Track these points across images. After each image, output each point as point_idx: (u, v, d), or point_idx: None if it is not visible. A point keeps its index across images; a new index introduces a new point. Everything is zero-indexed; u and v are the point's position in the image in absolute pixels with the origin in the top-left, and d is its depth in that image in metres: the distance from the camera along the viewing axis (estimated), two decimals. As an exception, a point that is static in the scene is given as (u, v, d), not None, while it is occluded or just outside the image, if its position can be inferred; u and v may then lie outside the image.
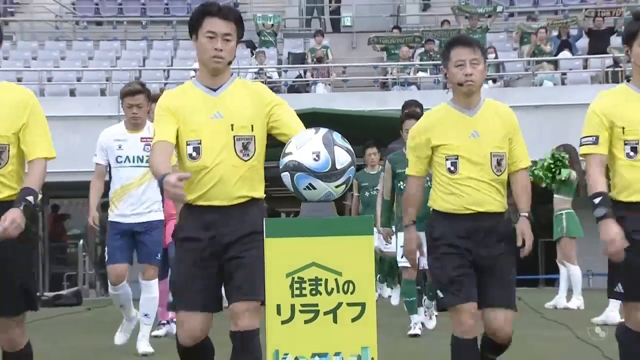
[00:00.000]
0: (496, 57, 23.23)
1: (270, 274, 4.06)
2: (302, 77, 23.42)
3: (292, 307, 3.95)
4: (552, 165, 12.87)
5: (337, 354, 3.89)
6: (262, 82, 22.56)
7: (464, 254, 5.57)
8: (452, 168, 5.63)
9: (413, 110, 10.04)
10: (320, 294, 3.97)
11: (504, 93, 20.97)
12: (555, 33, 23.82)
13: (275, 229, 4.09)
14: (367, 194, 13.38)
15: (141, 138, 8.55)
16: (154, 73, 23.25)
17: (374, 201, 12.61)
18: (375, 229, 11.62)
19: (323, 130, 4.07)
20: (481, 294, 5.47)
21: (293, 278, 3.99)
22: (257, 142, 5.35)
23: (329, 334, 3.93)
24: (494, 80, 22.80)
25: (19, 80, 20.99)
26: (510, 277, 5.68)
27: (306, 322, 3.93)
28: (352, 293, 3.98)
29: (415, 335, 9.46)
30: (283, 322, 3.93)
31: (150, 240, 8.87)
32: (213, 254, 5.11)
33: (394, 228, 9.82)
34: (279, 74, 23.51)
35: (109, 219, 8.87)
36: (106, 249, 9.06)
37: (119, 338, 9.43)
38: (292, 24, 27.24)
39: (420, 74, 22.58)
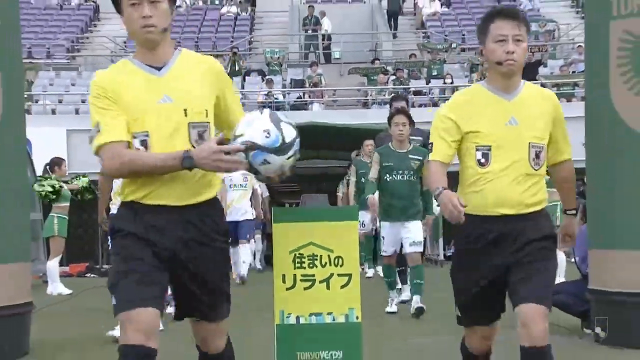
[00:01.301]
0: (452, 82, 23.35)
1: (277, 251, 4.02)
2: (301, 98, 23.42)
3: (294, 276, 3.93)
4: None
5: (329, 313, 3.88)
6: (270, 102, 22.83)
7: (491, 264, 3.93)
8: (482, 160, 3.94)
9: (403, 107, 8.84)
10: (316, 266, 3.96)
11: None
12: (498, 63, 23.78)
13: (281, 216, 4.06)
14: (362, 179, 11.94)
15: None
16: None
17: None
18: (367, 215, 11.49)
19: (267, 110, 3.49)
20: (514, 291, 3.92)
21: (295, 254, 3.96)
22: (211, 131, 3.63)
23: (323, 298, 3.92)
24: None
25: (83, 102, 20.99)
26: (545, 272, 3.98)
27: (305, 288, 3.91)
28: (341, 266, 3.96)
29: (393, 313, 8.57)
30: (287, 289, 3.90)
31: None
32: (162, 263, 3.49)
33: (377, 219, 8.88)
34: (284, 96, 23.52)
35: (110, 212, 7.45)
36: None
37: None
38: (293, 56, 27.16)
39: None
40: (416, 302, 8.16)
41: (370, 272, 14.08)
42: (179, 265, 3.50)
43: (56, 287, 12.11)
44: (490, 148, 3.92)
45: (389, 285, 8.77)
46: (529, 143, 3.95)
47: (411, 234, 8.18)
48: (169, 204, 3.51)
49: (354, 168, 12.85)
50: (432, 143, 4.03)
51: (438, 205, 4.25)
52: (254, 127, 3.40)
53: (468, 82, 23.65)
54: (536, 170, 3.98)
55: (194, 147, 3.46)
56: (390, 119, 8.41)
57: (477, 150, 3.94)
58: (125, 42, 27.26)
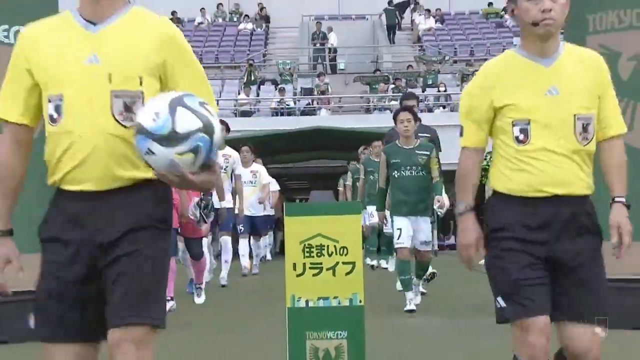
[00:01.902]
0: (445, 90, 23.39)
1: (288, 242, 4.01)
2: (310, 105, 23.44)
3: (304, 264, 3.92)
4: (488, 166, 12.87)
5: (335, 297, 3.87)
6: (282, 108, 22.88)
7: (535, 250, 3.02)
8: (521, 136, 3.08)
9: (409, 106, 8.03)
10: (324, 255, 3.94)
11: (450, 116, 20.91)
12: (486, 74, 23.84)
13: (292, 210, 4.07)
14: (371, 177, 11.67)
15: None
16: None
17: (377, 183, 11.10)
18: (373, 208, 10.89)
19: (178, 92, 2.47)
20: (558, 304, 3.02)
21: (304, 244, 3.95)
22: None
23: (330, 284, 3.90)
24: (444, 107, 22.90)
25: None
26: (599, 281, 3.10)
27: (313, 275, 3.91)
28: (345, 255, 3.95)
29: (411, 311, 7.37)
30: (297, 275, 3.90)
31: None
32: (86, 261, 2.58)
33: (388, 213, 7.92)
34: (294, 103, 23.55)
35: None
36: None
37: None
38: (303, 67, 27.18)
39: (392, 102, 22.55)
40: (418, 286, 7.84)
41: (373, 261, 13.44)
42: (105, 263, 2.56)
43: None
44: (529, 122, 3.09)
45: (405, 285, 7.58)
46: (574, 115, 3.09)
47: (422, 233, 7.59)
48: (87, 189, 2.58)
49: (362, 167, 12.31)
50: (461, 127, 3.24)
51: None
52: (148, 106, 2.49)
53: (460, 90, 23.66)
54: (584, 145, 3.10)
55: (117, 119, 2.54)
56: (395, 116, 7.78)
57: (514, 125, 3.11)
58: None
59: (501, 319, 3.10)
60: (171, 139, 2.37)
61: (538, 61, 3.16)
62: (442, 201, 7.66)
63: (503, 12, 28.85)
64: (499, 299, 3.09)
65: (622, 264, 6.70)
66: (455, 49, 26.94)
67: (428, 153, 7.52)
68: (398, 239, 7.46)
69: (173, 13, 29.62)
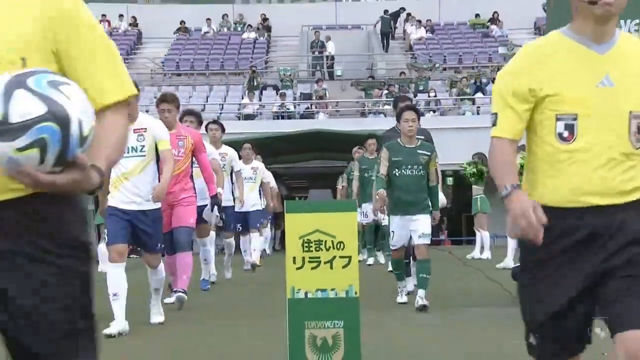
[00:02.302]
0: (435, 96, 23.40)
1: (288, 237, 3.99)
2: (309, 109, 23.43)
3: (303, 258, 3.90)
4: (475, 169, 12.86)
5: (332, 289, 3.86)
6: (283, 112, 22.85)
7: (578, 273, 2.39)
8: (565, 133, 2.42)
9: (414, 105, 7.53)
10: (322, 250, 3.92)
11: (440, 120, 21.02)
12: (472, 81, 23.84)
13: (293, 208, 4.06)
14: (366, 175, 11.08)
15: (134, 130, 5.84)
16: (214, 107, 23.22)
17: (372, 181, 9.82)
18: (370, 206, 10.39)
19: (20, 70, 1.72)
20: (612, 311, 2.35)
21: (304, 239, 3.93)
22: None
23: (327, 276, 3.89)
24: (434, 111, 22.92)
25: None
26: None
27: (312, 268, 3.89)
28: (342, 249, 3.93)
29: (403, 303, 7.26)
30: (297, 269, 3.89)
31: (151, 230, 6.09)
32: None
33: (386, 212, 7.21)
34: (294, 107, 23.52)
35: (108, 204, 6.05)
36: (105, 230, 6.33)
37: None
38: (302, 74, 27.12)
39: (386, 106, 22.56)
40: (420, 297, 6.91)
41: (370, 260, 12.69)
42: None
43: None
44: (577, 117, 2.42)
45: (398, 277, 7.48)
46: (630, 112, 2.42)
47: (420, 226, 6.97)
48: None
49: (357, 164, 11.74)
50: (495, 115, 2.52)
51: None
52: None
53: (449, 96, 23.67)
54: (637, 149, 2.43)
55: None
56: (399, 115, 7.22)
57: (557, 120, 2.44)
58: (162, 63, 27.32)
59: (531, 354, 2.54)
60: (4, 131, 1.66)
61: (591, 46, 2.48)
62: (437, 217, 7.34)
63: (489, 23, 28.89)
64: (530, 334, 2.50)
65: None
66: (445, 57, 26.91)
67: (429, 154, 7.09)
68: (392, 240, 7.17)
69: (181, 23, 29.64)
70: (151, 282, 6.33)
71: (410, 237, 7.12)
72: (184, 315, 7.09)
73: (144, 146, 5.96)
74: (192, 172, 7.46)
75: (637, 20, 6.70)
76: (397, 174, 7.02)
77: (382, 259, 12.29)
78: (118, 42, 29.17)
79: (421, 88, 23.87)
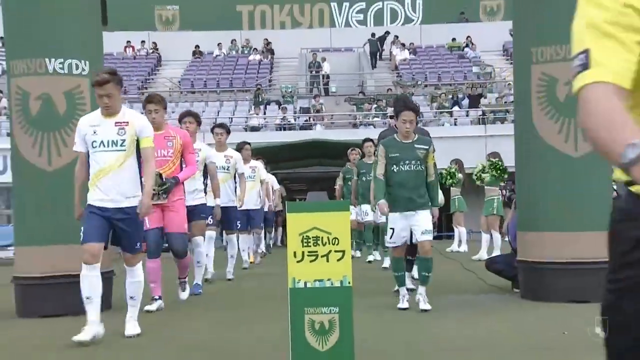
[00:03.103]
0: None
1: (289, 234, 3.93)
2: (308, 121, 23.38)
3: (303, 253, 3.85)
4: (450, 174, 12.75)
5: (328, 279, 3.81)
6: (285, 124, 22.79)
7: None
8: None
9: (412, 103, 6.39)
10: (319, 245, 3.86)
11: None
12: (450, 96, 23.83)
13: (293, 208, 4.02)
14: (363, 178, 10.28)
15: (115, 122, 4.92)
16: (224, 120, 23.16)
17: (368, 184, 9.23)
18: (368, 206, 9.87)
19: None
20: None
21: (303, 236, 3.87)
22: None
23: (324, 268, 3.84)
24: (417, 122, 22.87)
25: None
26: None
27: (310, 261, 3.84)
28: (337, 244, 3.87)
29: (405, 309, 6.06)
30: (297, 262, 3.84)
31: (130, 229, 5.00)
32: None
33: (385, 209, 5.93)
34: (294, 119, 23.47)
35: (87, 202, 4.98)
36: (82, 229, 5.00)
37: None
38: (301, 90, 27.08)
39: (375, 119, 22.54)
40: (422, 295, 5.97)
41: (370, 257, 11.63)
42: None
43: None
44: None
45: (398, 281, 6.30)
46: None
47: (421, 223, 6.02)
48: None
49: (356, 169, 10.81)
50: (585, 51, 1.39)
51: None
52: None
53: (430, 109, 23.66)
54: None
55: None
56: (397, 113, 6.21)
57: None
58: (179, 82, 27.29)
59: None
60: None
61: None
62: (435, 214, 6.31)
63: (464, 46, 28.95)
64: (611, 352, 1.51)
65: (561, 251, 6.75)
66: (426, 75, 26.92)
67: (427, 147, 6.17)
68: (390, 238, 6.13)
69: (195, 47, 29.66)
70: (127, 288, 5.18)
71: (411, 235, 6.16)
72: (196, 303, 7.06)
73: (124, 140, 4.92)
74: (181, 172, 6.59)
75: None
76: (395, 170, 6.08)
77: (378, 256, 11.43)
78: (141, 65, 29.17)
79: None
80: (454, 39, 29.54)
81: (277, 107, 24.21)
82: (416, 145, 6.16)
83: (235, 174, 8.85)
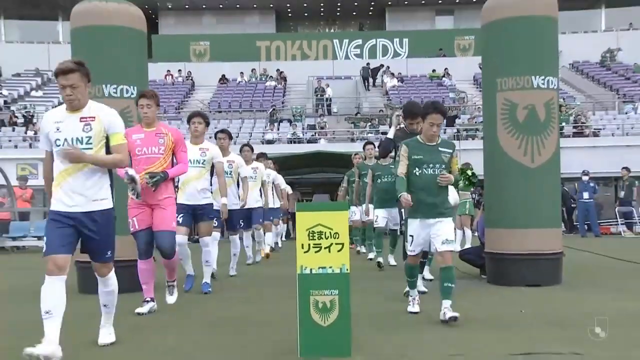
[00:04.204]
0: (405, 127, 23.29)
1: (298, 229, 3.85)
2: (314, 136, 23.37)
3: (309, 245, 3.81)
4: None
5: (330, 267, 3.78)
6: (295, 138, 22.76)
7: None
8: None
9: (440, 105, 4.86)
10: (322, 238, 3.82)
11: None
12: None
13: (302, 208, 3.94)
14: (365, 179, 9.16)
15: (80, 118, 3.75)
16: (245, 134, 23.21)
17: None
18: (365, 206, 9.12)
19: None
20: None
21: (309, 231, 3.83)
22: None
23: (326, 258, 3.80)
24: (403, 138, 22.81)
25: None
26: None
27: (315, 252, 3.81)
28: (337, 238, 3.82)
29: (415, 313, 4.96)
30: (304, 252, 3.80)
31: (98, 236, 3.77)
32: None
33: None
34: (302, 134, 23.45)
35: (51, 208, 3.74)
36: (45, 238, 3.73)
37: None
38: (308, 111, 27.03)
39: (369, 134, 22.47)
40: (447, 309, 4.61)
41: (371, 255, 9.91)
42: None
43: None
44: None
45: (410, 285, 5.16)
46: None
47: (442, 232, 4.72)
48: None
49: (357, 170, 9.84)
50: None
51: None
52: None
53: (413, 127, 23.60)
54: None
55: None
56: (425, 115, 4.81)
57: None
58: (209, 104, 27.31)
59: None
60: None
61: None
62: (455, 196, 5.27)
63: (442, 76, 28.96)
64: None
65: (520, 244, 6.75)
66: (411, 99, 26.93)
67: (451, 151, 4.89)
68: (410, 245, 4.88)
69: (222, 75, 29.74)
70: (100, 296, 3.97)
71: (429, 243, 4.89)
72: (220, 287, 7.04)
73: (90, 137, 3.71)
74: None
75: (527, 77, 6.71)
76: (417, 173, 4.79)
77: (371, 255, 10.02)
78: (177, 90, 29.22)
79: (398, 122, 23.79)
80: (434, 70, 29.54)
81: (288, 124, 24.21)
82: (440, 149, 4.85)
83: (238, 179, 7.75)
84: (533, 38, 6.68)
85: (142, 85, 6.87)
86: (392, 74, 29.12)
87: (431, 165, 4.81)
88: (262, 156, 9.83)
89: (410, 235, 4.87)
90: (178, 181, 6.07)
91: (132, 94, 6.60)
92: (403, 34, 32.20)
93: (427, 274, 6.58)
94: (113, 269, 3.95)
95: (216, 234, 6.92)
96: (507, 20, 6.71)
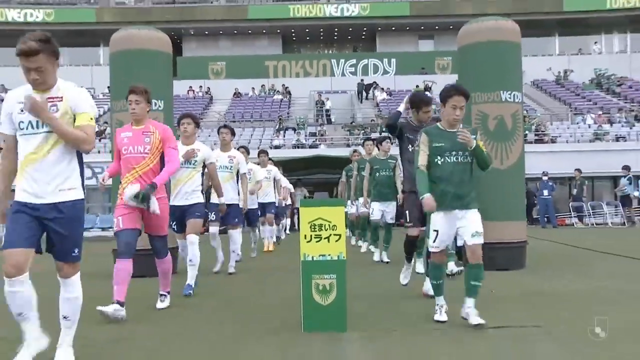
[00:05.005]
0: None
1: (302, 222, 3.81)
2: (315, 142, 23.32)
3: (311, 235, 3.78)
4: None
5: (329, 254, 3.76)
6: (299, 144, 22.76)
7: None
8: None
9: (464, 88, 3.85)
10: (322, 230, 3.79)
11: (395, 149, 20.89)
12: (415, 124, 23.72)
13: (305, 204, 3.93)
14: (363, 173, 8.18)
15: (48, 98, 2.72)
16: (255, 141, 23.18)
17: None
18: (362, 199, 8.22)
19: None
20: None
21: (311, 223, 3.80)
22: None
23: (326, 246, 3.78)
24: (392, 142, 22.71)
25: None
26: None
27: (316, 242, 3.78)
28: (335, 230, 3.78)
29: (443, 322, 3.81)
30: (307, 242, 3.77)
31: (65, 231, 2.72)
32: None
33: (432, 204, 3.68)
34: (305, 140, 23.41)
35: (14, 199, 2.74)
36: (4, 231, 2.75)
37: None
38: (310, 120, 26.96)
39: (366, 142, 22.44)
40: (471, 309, 3.68)
41: (364, 247, 9.34)
42: None
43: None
44: None
45: (436, 290, 3.95)
46: None
47: (471, 224, 3.75)
48: None
49: (357, 165, 8.83)
50: None
51: None
52: None
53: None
54: None
55: None
56: (446, 99, 3.79)
57: None
58: (225, 115, 27.29)
59: None
60: None
61: None
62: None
63: (424, 91, 28.95)
64: None
65: (491, 234, 6.76)
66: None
67: (475, 137, 3.81)
68: (434, 241, 3.80)
69: (236, 89, 29.74)
70: (60, 306, 2.85)
71: (455, 238, 4.05)
72: (233, 273, 7.03)
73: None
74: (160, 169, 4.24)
75: (496, 92, 6.75)
76: (439, 162, 3.77)
77: (363, 248, 9.30)
78: (198, 103, 29.21)
79: (383, 129, 23.77)
80: (417, 86, 29.51)
81: (293, 132, 24.20)
82: None
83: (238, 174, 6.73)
84: (501, 59, 6.73)
85: (169, 99, 6.99)
86: (382, 89, 29.15)
87: (454, 153, 3.76)
88: (238, 148, 8.15)
89: (434, 230, 3.78)
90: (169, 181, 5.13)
91: (159, 107, 6.74)
92: (391, 55, 32.23)
93: (419, 266, 5.64)
94: (79, 273, 2.86)
95: (214, 229, 6.28)
96: (479, 44, 6.77)
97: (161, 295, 4.57)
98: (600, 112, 24.23)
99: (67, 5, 31.59)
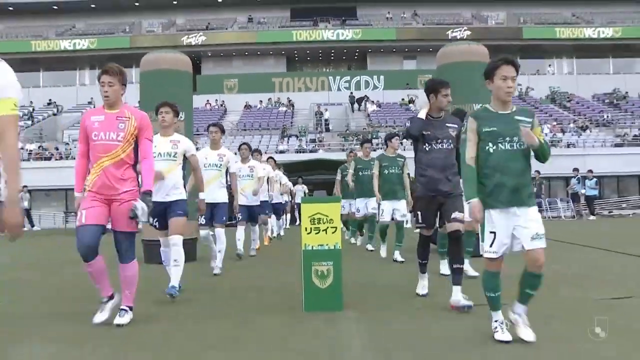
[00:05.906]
0: (381, 141, 23.17)
1: (303, 216, 3.77)
2: (314, 147, 23.32)
3: (311, 228, 3.76)
4: None
5: (327, 244, 3.74)
6: (300, 150, 22.72)
7: None
8: None
9: (512, 59, 2.59)
10: (321, 223, 3.77)
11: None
12: (401, 133, 23.47)
13: (306, 200, 3.89)
14: (360, 174, 7.31)
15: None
16: (263, 147, 23.15)
17: (366, 178, 7.13)
18: (363, 201, 7.38)
19: None
20: None
21: (311, 217, 3.77)
22: None
23: (324, 237, 3.77)
24: (381, 148, 22.71)
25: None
26: None
27: (315, 233, 3.77)
28: (332, 223, 3.77)
29: (507, 342, 2.50)
30: (307, 234, 3.76)
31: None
32: None
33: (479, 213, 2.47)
34: (306, 146, 23.40)
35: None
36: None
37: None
38: (310, 129, 26.96)
39: (356, 146, 22.39)
40: (523, 318, 2.69)
41: (358, 242, 8.63)
42: None
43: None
44: None
45: (493, 304, 2.71)
46: None
47: (531, 224, 2.57)
48: None
49: (354, 163, 7.56)
50: None
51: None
52: None
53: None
54: None
55: None
56: (492, 71, 2.62)
57: None
58: (237, 124, 27.24)
59: None
60: None
61: None
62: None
63: (409, 103, 28.97)
64: None
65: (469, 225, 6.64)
66: (386, 120, 26.88)
67: (530, 120, 2.66)
68: (491, 246, 2.65)
69: (246, 102, 29.70)
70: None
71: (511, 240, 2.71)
72: (239, 262, 6.98)
73: None
74: (135, 162, 3.23)
75: (480, 104, 6.72)
76: (491, 150, 2.62)
77: (357, 241, 8.59)
78: (214, 114, 29.16)
79: (374, 136, 23.78)
80: (403, 99, 29.55)
81: (295, 139, 24.17)
82: (517, 117, 2.67)
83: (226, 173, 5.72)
84: (473, 77, 6.73)
85: (189, 111, 7.09)
86: (372, 102, 29.13)
87: (508, 139, 2.62)
88: (240, 146, 7.44)
89: (491, 232, 2.63)
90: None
91: (181, 117, 6.77)
92: (380, 73, 32.23)
93: (443, 268, 4.65)
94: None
95: (203, 231, 5.38)
96: (454, 64, 6.84)
97: (121, 309, 3.25)
98: (555, 123, 25.09)
99: (107, 34, 32.34)
